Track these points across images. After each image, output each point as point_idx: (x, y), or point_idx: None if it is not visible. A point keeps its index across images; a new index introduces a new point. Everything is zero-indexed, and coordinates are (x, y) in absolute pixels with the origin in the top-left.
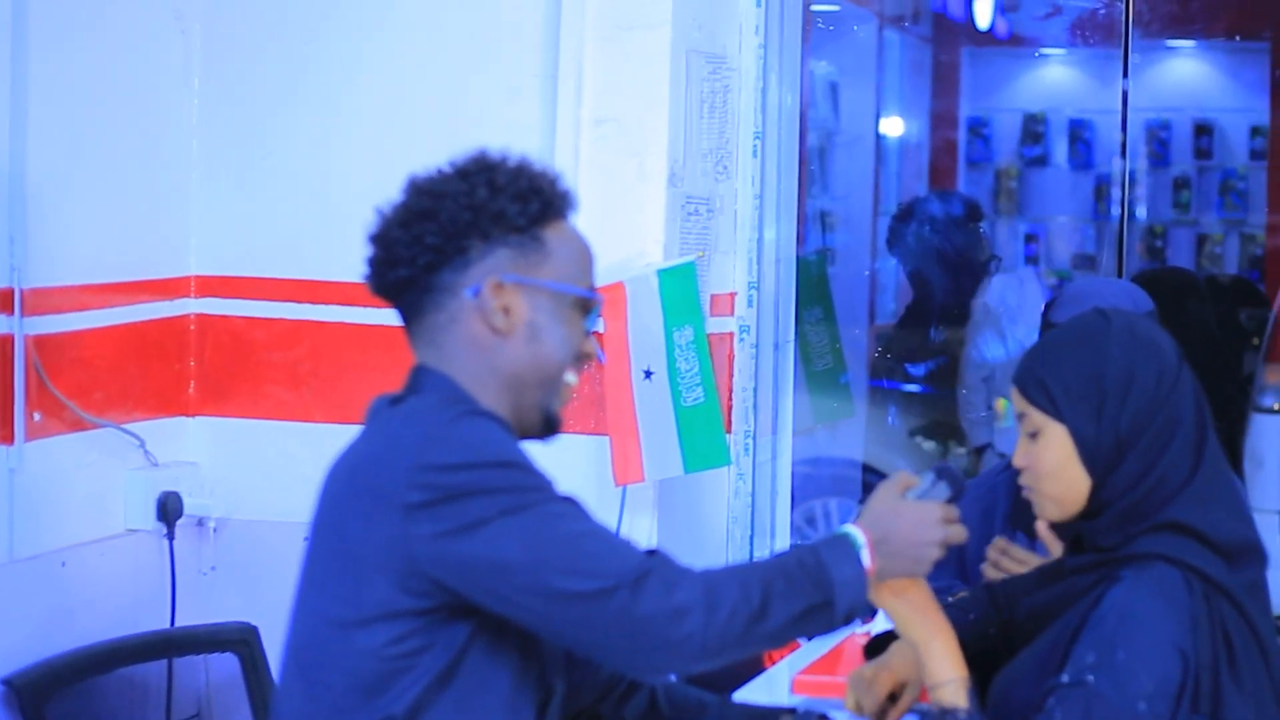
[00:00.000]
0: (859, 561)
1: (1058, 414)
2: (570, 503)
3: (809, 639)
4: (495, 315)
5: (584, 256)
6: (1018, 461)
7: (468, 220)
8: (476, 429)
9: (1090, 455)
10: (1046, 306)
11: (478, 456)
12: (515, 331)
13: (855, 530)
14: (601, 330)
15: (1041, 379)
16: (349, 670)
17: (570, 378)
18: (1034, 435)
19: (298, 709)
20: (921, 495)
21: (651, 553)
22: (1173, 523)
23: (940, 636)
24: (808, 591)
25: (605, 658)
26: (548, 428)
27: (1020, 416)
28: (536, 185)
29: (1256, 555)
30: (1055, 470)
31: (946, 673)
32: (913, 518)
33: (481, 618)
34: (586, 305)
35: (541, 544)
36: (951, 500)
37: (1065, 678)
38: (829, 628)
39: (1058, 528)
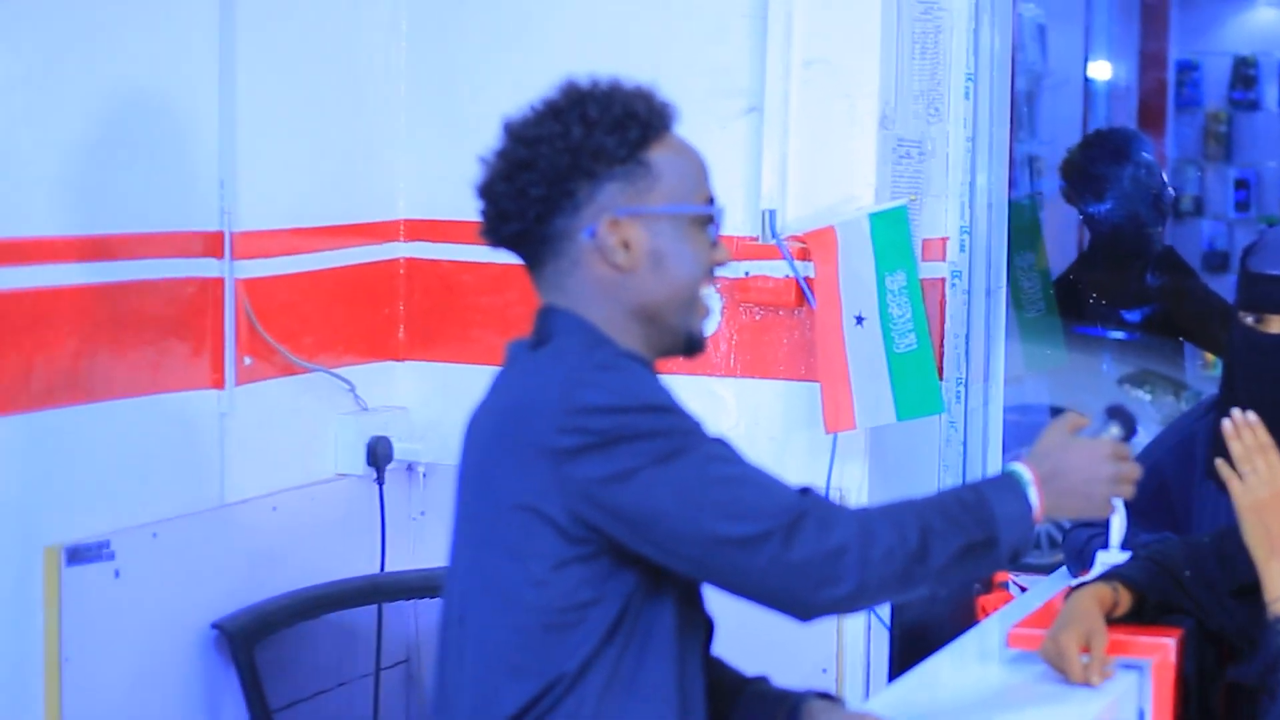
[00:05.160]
0: (1025, 498)
1: None
2: (721, 444)
3: (983, 581)
4: (616, 253)
5: (695, 168)
6: None
7: (568, 163)
8: (623, 372)
9: None
10: (1245, 252)
11: (627, 400)
12: (640, 264)
13: (1021, 467)
14: (812, 275)
15: None
16: (520, 628)
17: (707, 292)
18: None
19: (469, 675)
20: (1093, 435)
21: (804, 491)
22: None
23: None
24: (969, 528)
25: (763, 600)
26: (691, 347)
27: None
28: (631, 109)
29: None
30: None
31: None
32: (1083, 454)
33: (645, 565)
34: (707, 217)
35: (694, 490)
36: (1124, 441)
37: None
38: (995, 566)
39: None
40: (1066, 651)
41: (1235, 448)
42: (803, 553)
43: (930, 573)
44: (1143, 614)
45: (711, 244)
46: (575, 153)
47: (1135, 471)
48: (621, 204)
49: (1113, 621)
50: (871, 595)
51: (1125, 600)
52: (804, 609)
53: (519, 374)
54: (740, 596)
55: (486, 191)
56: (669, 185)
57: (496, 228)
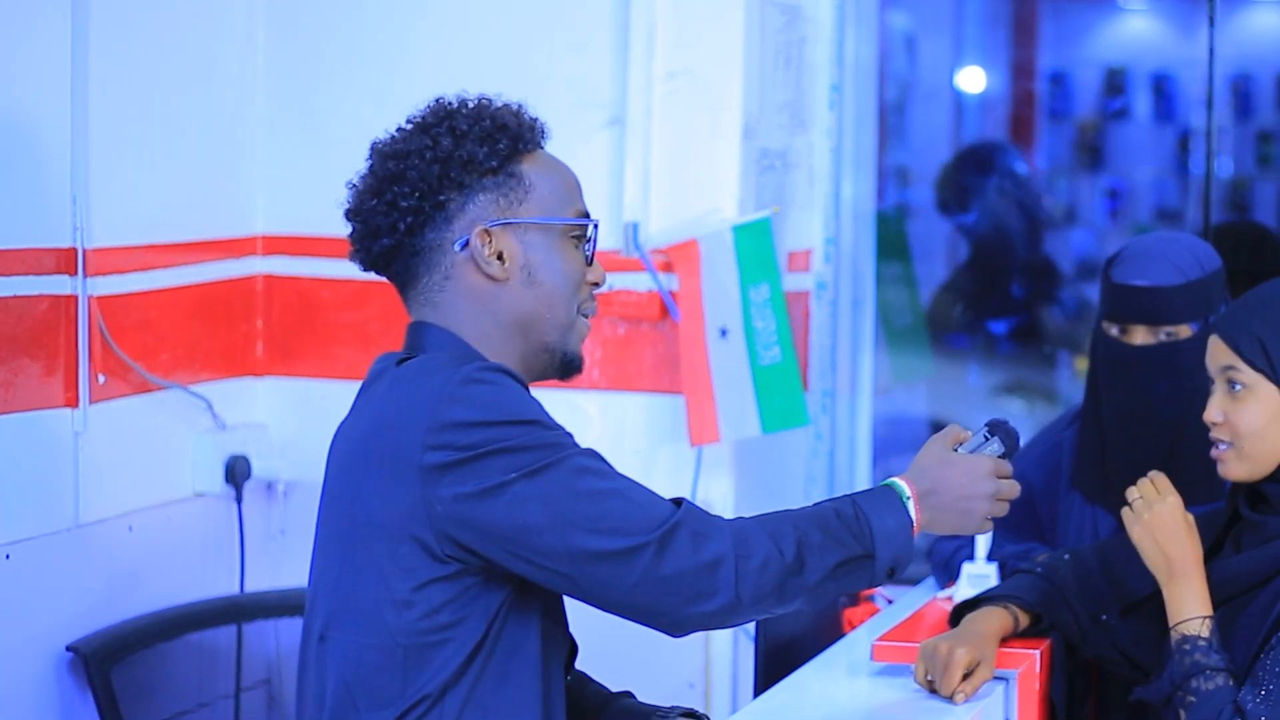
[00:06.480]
0: (904, 513)
1: (1273, 375)
2: (592, 456)
3: (850, 594)
4: (490, 263)
5: (567, 183)
6: (1210, 416)
7: (439, 174)
8: (491, 385)
9: None
10: (1108, 263)
11: (494, 414)
12: (513, 275)
13: (901, 482)
14: (676, 289)
15: (1260, 337)
16: (382, 650)
17: (585, 309)
18: (1234, 389)
19: (330, 696)
20: (973, 450)
21: (678, 502)
22: None
23: (1185, 578)
24: (846, 543)
25: (634, 615)
26: (567, 368)
27: (1225, 369)
28: (501, 122)
29: None
30: (1259, 430)
31: (1192, 611)
32: (962, 470)
33: (514, 584)
34: (581, 232)
35: (564, 504)
36: (1004, 456)
37: None
38: (871, 582)
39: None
40: (952, 666)
41: (1130, 492)
42: (675, 566)
43: (806, 587)
44: (1030, 632)
45: (586, 260)
46: (445, 163)
47: (1014, 490)
48: (493, 215)
49: None
50: (746, 609)
51: (1023, 622)
52: (676, 624)
53: (385, 389)
54: (611, 610)
55: (356, 211)
56: (541, 197)
57: (367, 246)
